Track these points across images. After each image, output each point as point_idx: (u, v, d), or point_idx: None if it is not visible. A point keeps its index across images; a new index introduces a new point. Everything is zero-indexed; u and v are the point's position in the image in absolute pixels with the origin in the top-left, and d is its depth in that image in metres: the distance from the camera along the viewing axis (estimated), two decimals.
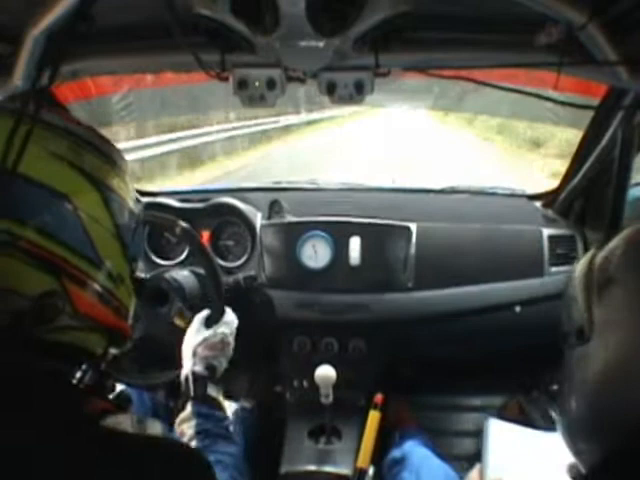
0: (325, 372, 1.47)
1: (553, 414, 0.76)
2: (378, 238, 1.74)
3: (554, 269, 1.71)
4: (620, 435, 0.61)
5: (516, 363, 1.78)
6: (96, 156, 0.73)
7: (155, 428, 0.68)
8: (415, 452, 1.52)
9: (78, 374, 0.70)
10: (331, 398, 1.50)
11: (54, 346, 0.69)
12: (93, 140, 0.74)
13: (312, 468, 1.50)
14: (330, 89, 1.15)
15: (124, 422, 0.65)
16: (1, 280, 0.63)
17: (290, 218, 1.80)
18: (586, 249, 1.72)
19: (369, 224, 1.76)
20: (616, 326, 0.62)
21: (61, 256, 0.66)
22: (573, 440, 0.69)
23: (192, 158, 8.63)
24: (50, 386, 0.65)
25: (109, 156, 0.75)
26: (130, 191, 0.78)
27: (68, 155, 0.69)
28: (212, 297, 1.35)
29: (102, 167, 0.73)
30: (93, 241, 0.69)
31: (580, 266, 0.72)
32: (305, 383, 1.73)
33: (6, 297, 0.64)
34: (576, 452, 0.70)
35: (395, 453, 1.54)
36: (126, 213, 0.75)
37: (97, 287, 0.71)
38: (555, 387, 0.74)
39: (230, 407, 1.64)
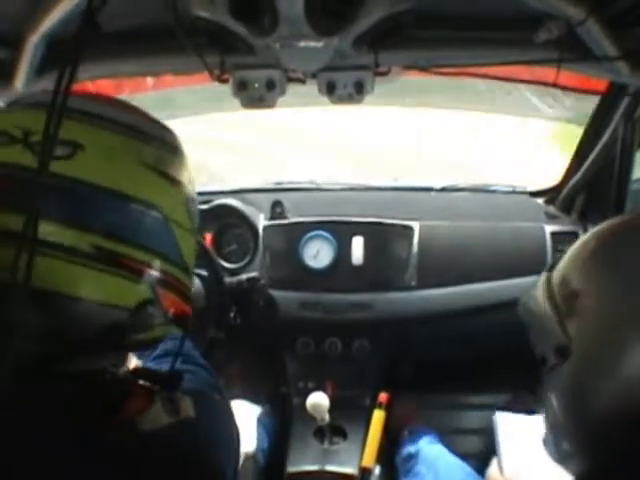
0: (317, 400, 1.47)
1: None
2: (380, 237, 1.74)
3: None
4: (611, 440, 0.61)
5: (521, 360, 1.77)
6: (168, 151, 0.71)
7: (187, 410, 0.68)
8: (430, 448, 1.51)
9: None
10: (327, 419, 1.50)
11: (140, 345, 0.70)
12: (159, 133, 0.71)
13: (317, 468, 1.50)
14: (330, 89, 1.15)
15: (158, 413, 0.64)
16: (97, 295, 0.62)
17: (292, 219, 1.80)
18: None
19: (371, 223, 1.76)
20: (596, 338, 0.62)
21: (155, 266, 0.67)
22: (559, 448, 0.70)
23: None
24: (94, 389, 0.64)
25: (177, 147, 0.73)
26: (191, 173, 0.75)
27: (151, 160, 0.67)
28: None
29: (175, 162, 0.71)
30: (179, 244, 0.70)
31: (537, 290, 0.74)
32: (310, 383, 1.73)
33: (105, 311, 0.63)
34: (562, 460, 0.70)
35: (409, 448, 1.54)
36: (195, 204, 0.75)
37: (180, 286, 0.72)
38: (538, 403, 0.74)
39: (253, 412, 1.66)
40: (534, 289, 0.76)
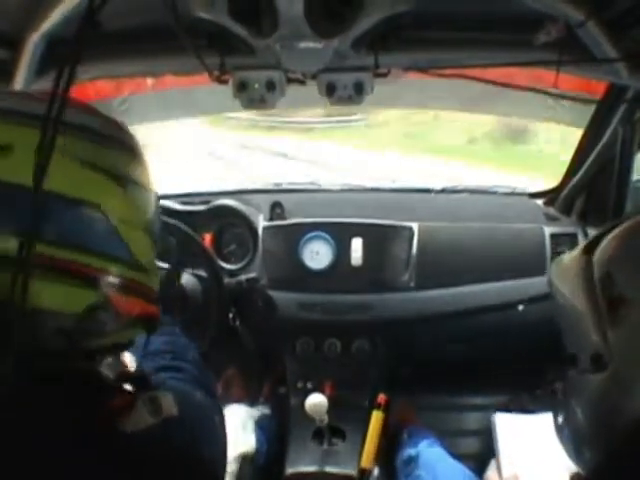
0: (316, 401, 1.46)
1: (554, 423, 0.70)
2: (380, 238, 1.74)
3: None
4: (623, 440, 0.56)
5: (519, 361, 1.77)
6: (118, 149, 0.68)
7: (170, 409, 0.66)
8: (429, 451, 1.51)
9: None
10: (326, 420, 1.50)
11: (98, 351, 0.69)
12: (108, 131, 0.68)
13: (316, 469, 1.50)
14: (329, 90, 1.15)
15: (141, 414, 0.63)
16: (43, 303, 0.60)
17: (291, 219, 1.80)
18: None
19: (370, 225, 1.76)
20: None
21: (101, 269, 0.64)
22: (580, 452, 0.65)
23: None
24: (75, 389, 0.64)
25: (128, 145, 0.70)
26: (149, 172, 0.73)
27: (94, 159, 0.64)
28: None
29: (125, 160, 0.68)
30: (129, 244, 0.66)
31: (573, 274, 0.64)
32: (309, 384, 1.73)
33: (51, 318, 0.61)
34: (579, 462, 0.66)
35: (409, 451, 1.54)
36: (152, 201, 0.72)
37: (136, 286, 0.69)
38: (559, 399, 0.69)
39: (252, 413, 1.65)
40: (567, 269, 0.66)
